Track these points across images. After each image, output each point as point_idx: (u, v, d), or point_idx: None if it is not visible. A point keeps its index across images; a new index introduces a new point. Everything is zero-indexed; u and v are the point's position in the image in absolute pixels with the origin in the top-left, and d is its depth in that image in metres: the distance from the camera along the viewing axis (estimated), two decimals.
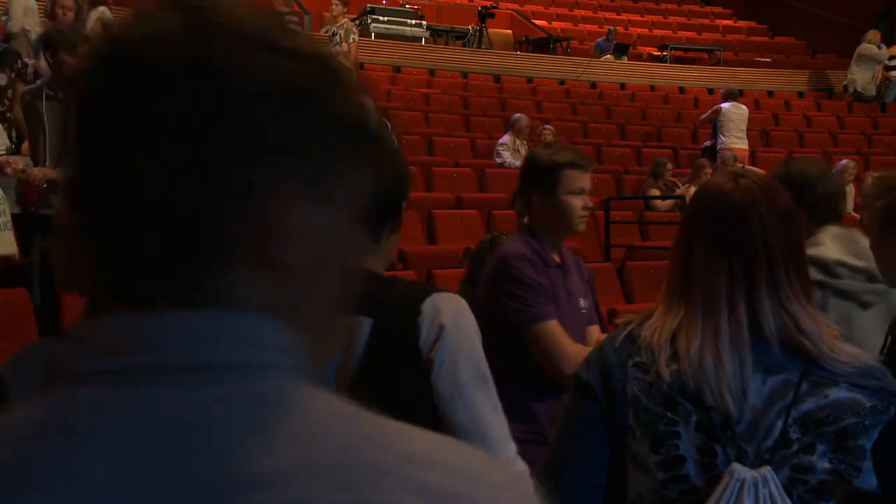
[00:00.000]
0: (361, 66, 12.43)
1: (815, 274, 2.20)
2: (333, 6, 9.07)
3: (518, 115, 9.34)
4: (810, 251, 2.33)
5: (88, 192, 0.56)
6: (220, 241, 0.53)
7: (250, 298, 0.54)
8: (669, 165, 9.03)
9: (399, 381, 1.42)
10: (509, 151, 8.93)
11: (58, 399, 0.53)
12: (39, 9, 7.32)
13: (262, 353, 0.54)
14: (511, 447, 1.50)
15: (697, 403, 1.38)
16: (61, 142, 4.33)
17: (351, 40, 8.84)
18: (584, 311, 2.57)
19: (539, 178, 2.51)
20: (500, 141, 9.12)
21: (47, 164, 4.37)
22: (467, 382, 1.44)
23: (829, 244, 2.45)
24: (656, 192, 8.71)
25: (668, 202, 8.50)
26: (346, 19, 8.97)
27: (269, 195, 0.54)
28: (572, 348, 2.36)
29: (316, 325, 0.60)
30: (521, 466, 1.49)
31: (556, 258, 2.53)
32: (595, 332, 2.58)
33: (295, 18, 9.69)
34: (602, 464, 1.45)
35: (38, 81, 4.70)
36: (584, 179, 2.50)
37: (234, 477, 0.49)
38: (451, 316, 1.47)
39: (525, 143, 9.15)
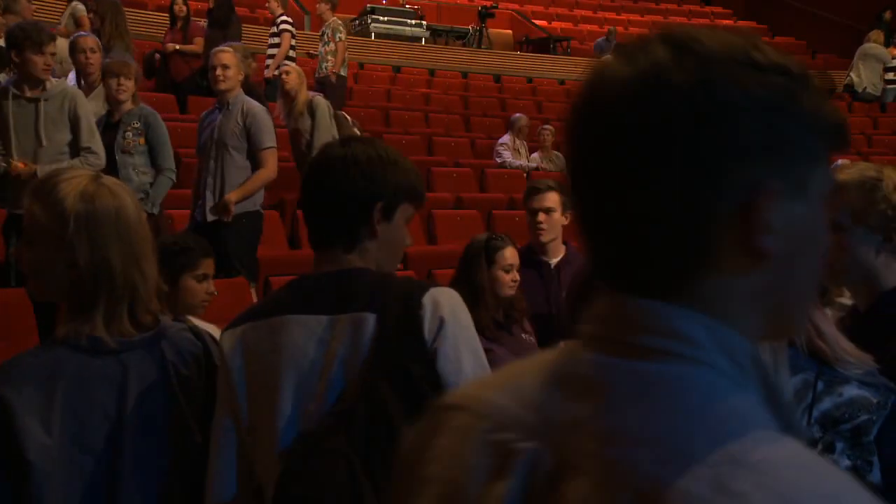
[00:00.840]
0: (361, 65, 12.45)
1: None
2: (319, 5, 9.04)
3: (517, 115, 9.33)
4: None
5: (599, 193, 0.67)
6: (710, 235, 0.63)
7: (726, 290, 0.65)
8: None
9: (409, 370, 1.47)
10: (509, 151, 8.92)
11: (568, 355, 0.69)
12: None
13: (692, 349, 0.62)
14: None
15: None
16: (28, 140, 4.32)
17: (338, 39, 8.79)
18: None
19: None
20: (500, 141, 9.11)
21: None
22: (469, 371, 1.50)
23: None
24: None
25: None
26: (334, 18, 8.94)
27: (756, 192, 0.63)
28: None
29: (788, 312, 0.69)
30: None
31: None
32: None
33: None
34: None
35: (5, 80, 4.67)
36: None
37: (622, 442, 0.60)
38: (450, 309, 1.52)
39: (525, 143, 9.14)
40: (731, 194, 0.63)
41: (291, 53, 9.01)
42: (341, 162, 1.58)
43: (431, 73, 12.81)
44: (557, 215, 3.58)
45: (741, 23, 17.98)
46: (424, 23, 13.86)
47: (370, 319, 1.49)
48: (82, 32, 6.06)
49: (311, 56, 9.49)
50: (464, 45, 14.24)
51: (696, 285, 0.64)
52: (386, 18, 13.42)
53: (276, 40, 9.00)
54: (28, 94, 4.33)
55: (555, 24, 16.41)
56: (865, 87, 13.52)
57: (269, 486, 1.50)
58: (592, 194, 0.68)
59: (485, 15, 14.12)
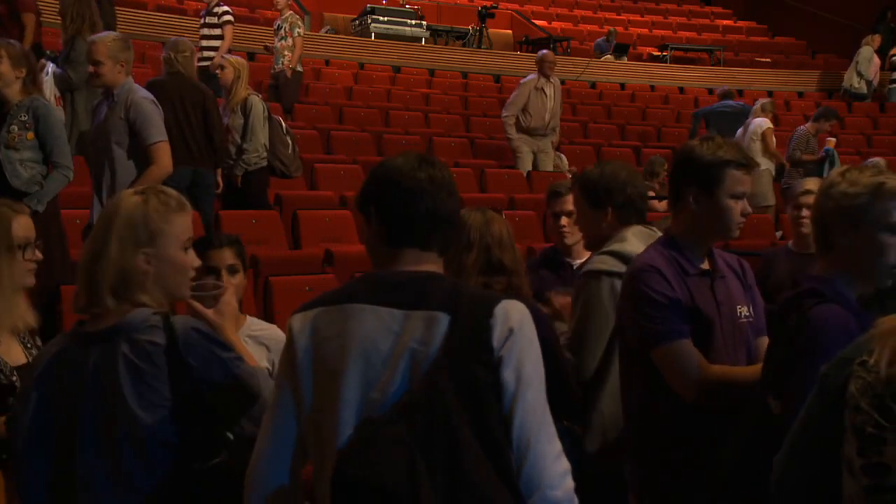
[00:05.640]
0: (361, 65, 12.45)
1: (619, 266, 2.55)
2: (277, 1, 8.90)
3: (543, 51, 9.20)
4: (615, 246, 2.68)
5: None
6: None
7: None
8: (666, 165, 9.00)
9: (475, 373, 1.55)
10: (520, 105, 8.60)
11: None
12: None
13: None
14: (557, 445, 1.59)
15: None
16: None
17: (295, 34, 8.68)
18: (744, 319, 2.35)
19: (697, 176, 2.30)
20: (523, 81, 8.83)
21: None
22: (530, 383, 1.58)
23: (632, 240, 2.67)
24: (651, 193, 8.72)
25: (665, 202, 8.46)
26: (290, 12, 8.85)
27: None
28: (699, 372, 2.16)
29: None
30: (565, 465, 1.59)
31: (705, 264, 2.35)
32: (764, 343, 2.26)
33: None
34: None
35: None
36: (747, 181, 2.30)
37: None
38: (518, 321, 1.60)
39: (550, 81, 8.78)
40: None
41: (214, 43, 8.34)
42: (447, 180, 1.69)
43: (431, 73, 12.80)
44: None
45: (741, 23, 17.97)
46: (424, 23, 13.85)
47: (443, 320, 1.58)
48: None
49: (267, 50, 9.24)
50: (464, 45, 14.23)
51: None
52: (386, 18, 13.41)
53: (217, 31, 8.34)
54: None
55: (555, 24, 16.40)
56: (857, 87, 13.55)
57: (321, 469, 1.57)
58: None
59: (485, 15, 14.10)
